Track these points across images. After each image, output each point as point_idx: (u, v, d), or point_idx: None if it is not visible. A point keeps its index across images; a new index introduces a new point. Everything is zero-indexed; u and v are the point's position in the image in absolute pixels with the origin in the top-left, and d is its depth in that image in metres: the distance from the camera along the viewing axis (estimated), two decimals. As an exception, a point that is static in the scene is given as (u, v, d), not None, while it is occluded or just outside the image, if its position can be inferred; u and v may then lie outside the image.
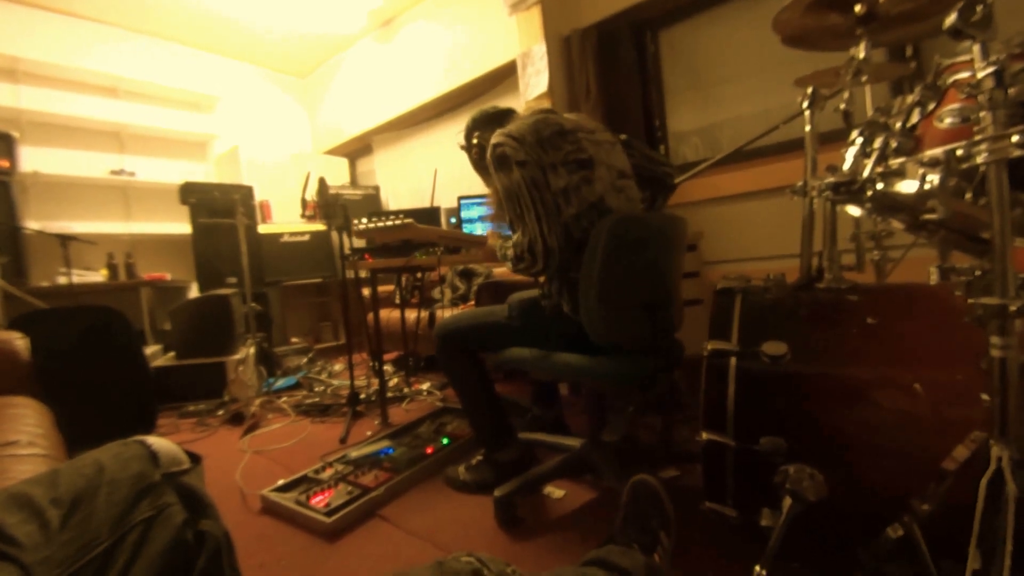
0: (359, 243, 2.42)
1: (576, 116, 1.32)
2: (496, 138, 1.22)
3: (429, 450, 1.64)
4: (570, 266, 1.19)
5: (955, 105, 0.78)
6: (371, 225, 1.47)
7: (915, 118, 0.83)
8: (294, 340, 3.81)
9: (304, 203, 3.19)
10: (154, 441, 0.70)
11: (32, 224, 3.06)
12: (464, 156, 1.46)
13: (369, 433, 1.92)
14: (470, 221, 3.02)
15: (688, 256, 2.12)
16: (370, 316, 2.64)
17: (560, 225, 1.17)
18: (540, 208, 1.17)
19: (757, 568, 0.77)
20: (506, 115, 1.38)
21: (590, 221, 1.16)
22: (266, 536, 1.29)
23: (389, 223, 1.45)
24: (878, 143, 0.84)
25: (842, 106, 1.13)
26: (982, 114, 0.61)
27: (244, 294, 2.82)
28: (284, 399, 2.51)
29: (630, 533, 0.95)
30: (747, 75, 2.47)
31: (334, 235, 3.70)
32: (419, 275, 2.64)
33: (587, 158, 1.21)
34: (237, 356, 2.63)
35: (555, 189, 1.18)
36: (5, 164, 2.94)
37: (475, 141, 1.40)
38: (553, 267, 1.20)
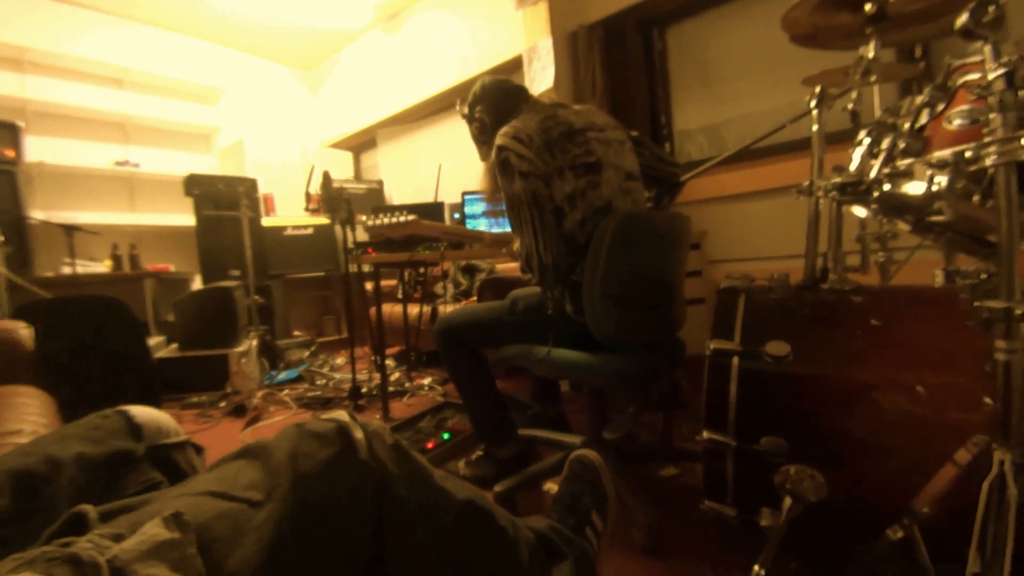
0: (362, 237, 2.42)
1: (586, 109, 1.28)
2: (501, 139, 1.17)
3: (430, 445, 1.64)
4: (573, 270, 1.18)
5: (964, 106, 0.77)
6: (379, 221, 1.48)
7: (924, 119, 0.82)
8: (297, 333, 3.82)
9: (308, 196, 3.19)
10: (137, 412, 0.65)
11: (37, 214, 3.07)
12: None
13: (370, 427, 1.93)
14: (474, 217, 3.01)
15: (692, 255, 2.11)
16: (372, 310, 2.65)
17: (557, 242, 1.16)
18: (538, 225, 1.16)
19: (756, 567, 0.77)
20: (516, 96, 1.31)
21: (595, 225, 1.14)
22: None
23: (396, 219, 1.48)
24: (886, 144, 0.84)
25: (850, 106, 1.12)
26: (992, 116, 0.60)
27: (247, 287, 2.82)
28: (286, 392, 2.52)
29: (552, 515, 0.92)
30: (754, 73, 2.45)
31: (337, 229, 3.71)
32: (422, 270, 2.64)
33: (595, 161, 1.18)
34: (240, 348, 2.64)
35: (560, 196, 1.15)
36: (10, 153, 2.95)
37: (477, 115, 1.34)
38: (549, 281, 1.20)
